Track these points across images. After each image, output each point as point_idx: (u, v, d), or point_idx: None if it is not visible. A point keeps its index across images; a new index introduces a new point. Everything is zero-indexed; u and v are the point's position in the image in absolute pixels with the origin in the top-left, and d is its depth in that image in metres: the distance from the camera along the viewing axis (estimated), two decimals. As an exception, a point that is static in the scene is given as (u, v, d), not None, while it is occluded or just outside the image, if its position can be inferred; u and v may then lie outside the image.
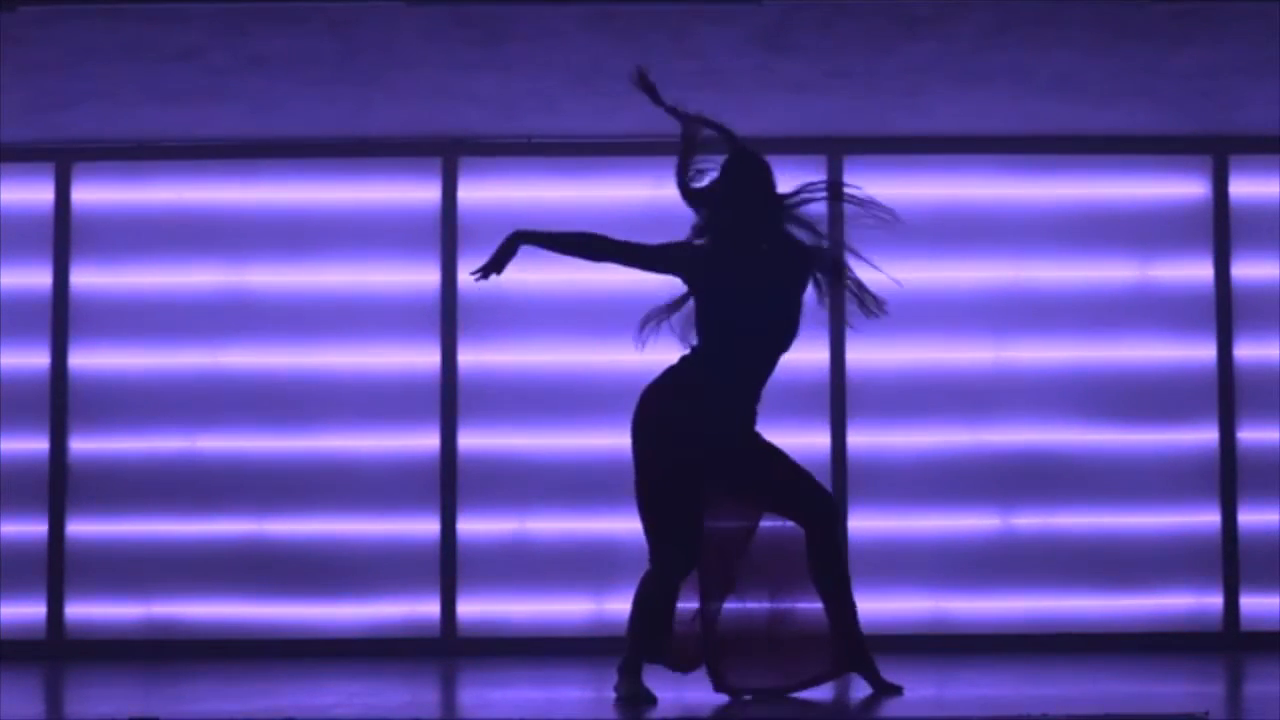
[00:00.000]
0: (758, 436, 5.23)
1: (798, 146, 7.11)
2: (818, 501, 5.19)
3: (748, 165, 5.20)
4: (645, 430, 5.13)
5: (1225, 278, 7.10)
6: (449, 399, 7.08)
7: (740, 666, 5.24)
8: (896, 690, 5.21)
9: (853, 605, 5.25)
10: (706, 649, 5.21)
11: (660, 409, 5.13)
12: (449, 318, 7.11)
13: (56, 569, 7.02)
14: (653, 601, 5.13)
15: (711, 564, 5.21)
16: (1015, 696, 5.27)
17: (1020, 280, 7.13)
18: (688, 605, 5.23)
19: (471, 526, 7.06)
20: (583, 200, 7.11)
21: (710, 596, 5.25)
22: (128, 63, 6.20)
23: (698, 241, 5.24)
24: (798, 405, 6.98)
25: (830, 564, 5.19)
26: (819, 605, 5.25)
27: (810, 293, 5.24)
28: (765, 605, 5.30)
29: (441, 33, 5.94)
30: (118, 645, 6.97)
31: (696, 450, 5.10)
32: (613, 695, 5.13)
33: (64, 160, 7.16)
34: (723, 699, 5.16)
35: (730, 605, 5.26)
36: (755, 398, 5.22)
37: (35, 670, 6.47)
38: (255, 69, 6.28)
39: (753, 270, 5.15)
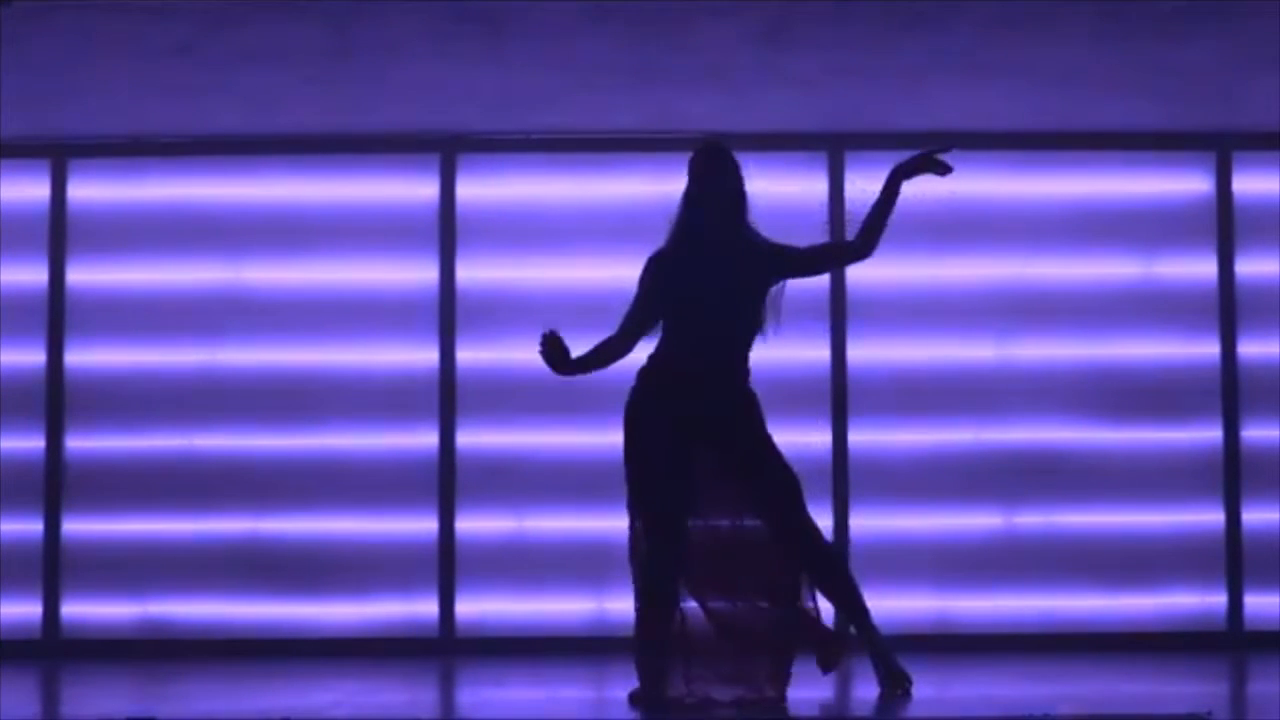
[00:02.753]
0: (750, 421, 5.21)
1: (799, 143, 7.08)
2: (780, 477, 5.16)
3: (714, 159, 5.23)
4: (625, 426, 5.24)
5: (1229, 274, 7.06)
6: (447, 397, 7.04)
7: (705, 672, 5.18)
8: (904, 683, 5.14)
9: (849, 590, 5.20)
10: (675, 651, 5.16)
11: (629, 403, 5.25)
12: (447, 315, 7.07)
13: (52, 568, 6.98)
14: (641, 594, 5.09)
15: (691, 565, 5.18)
16: (1018, 696, 5.25)
17: (1023, 277, 7.09)
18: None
19: (470, 525, 7.02)
20: (582, 197, 7.08)
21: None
22: (123, 58, 6.17)
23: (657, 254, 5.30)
24: (798, 403, 6.95)
25: (802, 549, 5.15)
26: (800, 605, 5.21)
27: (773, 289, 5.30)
28: (733, 605, 5.25)
29: (440, 28, 5.92)
30: (114, 644, 6.93)
31: (668, 435, 5.15)
32: (612, 695, 5.10)
33: (59, 156, 7.12)
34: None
35: (706, 605, 5.21)
36: (730, 377, 5.21)
37: (31, 670, 6.44)
38: (252, 64, 6.25)
39: (709, 270, 5.18)
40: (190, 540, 7.00)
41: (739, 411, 5.21)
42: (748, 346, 5.25)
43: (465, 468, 7.04)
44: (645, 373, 5.26)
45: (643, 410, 5.20)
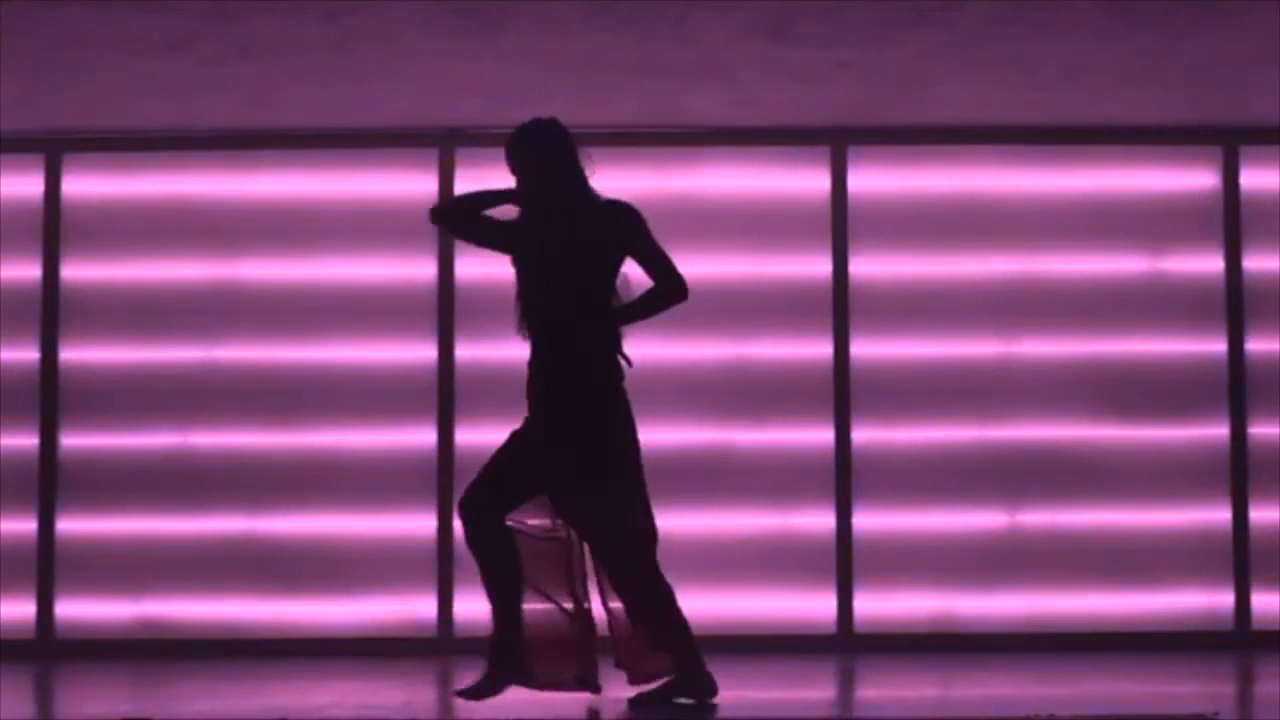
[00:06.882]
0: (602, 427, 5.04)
1: (800, 138, 7.05)
2: (591, 527, 5.05)
3: (537, 139, 5.16)
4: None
5: (1236, 270, 7.02)
6: (446, 394, 7.00)
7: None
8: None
9: (653, 616, 5.04)
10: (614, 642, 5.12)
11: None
12: (446, 311, 7.03)
13: (46, 567, 6.95)
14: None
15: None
16: (1022, 696, 5.23)
17: (1027, 273, 7.05)
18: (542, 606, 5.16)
19: (469, 524, 6.97)
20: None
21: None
22: (119, 52, 6.14)
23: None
24: (800, 401, 6.93)
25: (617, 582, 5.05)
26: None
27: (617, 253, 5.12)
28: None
29: (438, 21, 5.88)
30: (109, 645, 6.90)
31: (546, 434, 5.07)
32: (611, 695, 5.06)
33: (54, 151, 7.09)
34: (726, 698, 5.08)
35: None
36: (581, 359, 5.02)
37: (25, 670, 6.41)
38: (248, 58, 6.21)
39: (556, 239, 5.05)
40: (186, 539, 6.96)
41: (581, 414, 5.02)
42: (582, 325, 5.01)
43: (464, 466, 6.98)
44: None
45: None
